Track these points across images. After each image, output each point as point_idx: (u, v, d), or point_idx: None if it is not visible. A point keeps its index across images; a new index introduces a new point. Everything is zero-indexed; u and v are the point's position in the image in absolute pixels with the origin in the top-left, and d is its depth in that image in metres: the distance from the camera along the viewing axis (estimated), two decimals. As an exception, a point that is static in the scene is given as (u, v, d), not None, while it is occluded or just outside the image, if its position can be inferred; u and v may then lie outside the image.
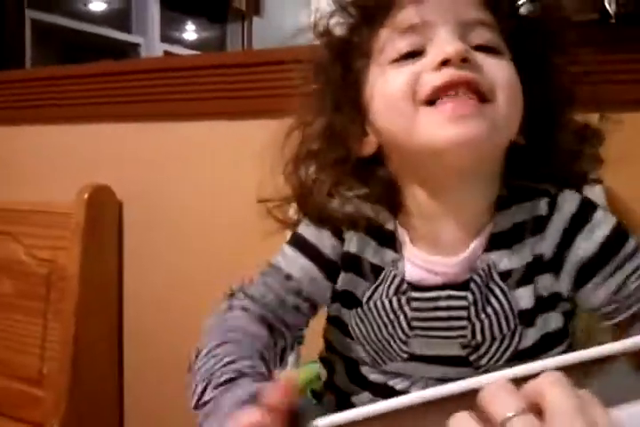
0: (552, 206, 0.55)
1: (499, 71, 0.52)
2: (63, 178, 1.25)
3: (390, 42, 0.54)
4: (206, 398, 0.49)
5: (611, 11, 0.79)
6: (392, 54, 0.53)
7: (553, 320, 0.55)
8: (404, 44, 0.53)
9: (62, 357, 1.14)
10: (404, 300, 0.56)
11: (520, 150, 0.55)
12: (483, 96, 0.50)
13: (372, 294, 0.58)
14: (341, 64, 0.57)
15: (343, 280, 0.59)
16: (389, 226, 0.58)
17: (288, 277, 0.59)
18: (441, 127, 0.50)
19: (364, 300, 0.58)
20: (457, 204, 0.55)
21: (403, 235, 0.58)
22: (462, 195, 0.55)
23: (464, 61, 0.50)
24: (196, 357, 0.54)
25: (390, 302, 0.57)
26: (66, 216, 1.18)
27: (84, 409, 1.15)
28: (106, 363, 1.21)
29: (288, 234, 0.63)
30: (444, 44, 0.51)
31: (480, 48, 0.52)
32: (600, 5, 0.80)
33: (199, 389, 0.50)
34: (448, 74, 0.50)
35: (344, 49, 0.57)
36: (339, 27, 0.58)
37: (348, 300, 0.59)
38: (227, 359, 0.51)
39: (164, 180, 1.17)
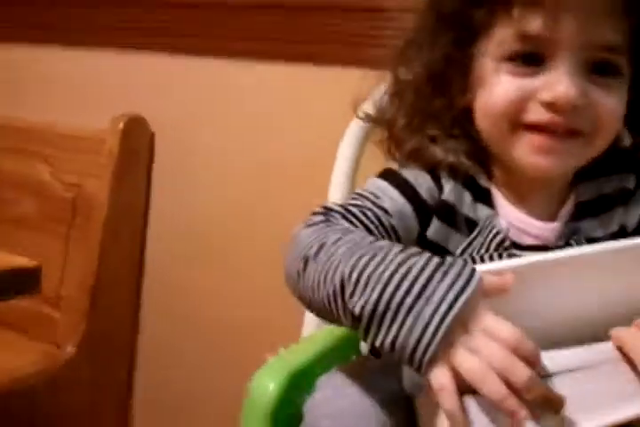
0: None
1: (605, 111, 0.53)
2: (97, 105, 1.25)
3: (512, 38, 0.53)
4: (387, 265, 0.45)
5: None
6: (509, 51, 0.54)
7: None
8: (523, 47, 0.53)
9: (82, 281, 1.16)
10: (505, 256, 0.56)
11: None
12: (579, 133, 0.53)
13: (467, 247, 0.57)
14: (460, 22, 0.57)
15: (435, 229, 0.58)
16: (483, 182, 0.59)
17: (384, 209, 0.57)
18: (530, 156, 0.54)
19: (458, 252, 0.57)
20: (544, 179, 0.58)
21: (497, 193, 0.59)
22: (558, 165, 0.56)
23: (575, 95, 0.51)
24: (306, 261, 0.51)
25: (491, 257, 0.57)
26: (98, 144, 1.19)
27: (99, 334, 1.17)
28: (125, 291, 1.22)
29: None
30: (562, 82, 0.51)
31: (599, 68, 0.53)
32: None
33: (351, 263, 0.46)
34: (554, 118, 0.52)
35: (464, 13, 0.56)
36: None
37: (437, 252, 0.51)
38: (371, 238, 0.50)
39: (199, 116, 1.18)
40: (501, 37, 0.54)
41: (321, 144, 0.94)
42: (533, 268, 0.48)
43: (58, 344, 1.15)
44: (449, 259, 0.45)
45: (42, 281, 1.16)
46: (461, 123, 0.58)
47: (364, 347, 0.69)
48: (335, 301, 0.47)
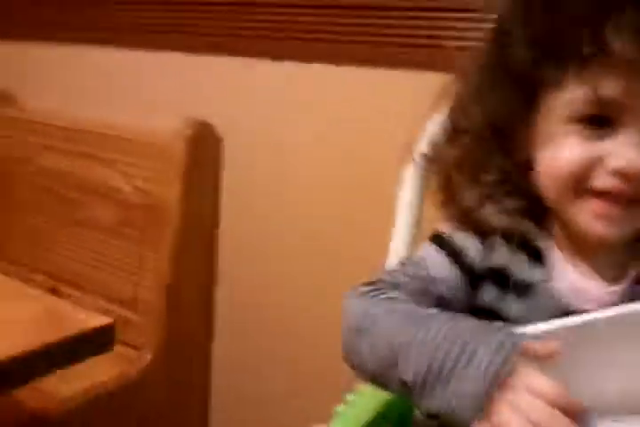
0: None
1: None
2: (164, 107, 1.25)
3: (583, 99, 0.51)
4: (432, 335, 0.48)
5: None
6: (578, 113, 0.51)
7: None
8: (594, 110, 0.51)
9: (158, 285, 1.19)
10: (563, 314, 0.53)
11: None
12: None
13: (523, 312, 0.56)
14: (529, 79, 0.54)
15: (487, 295, 0.57)
16: (539, 242, 0.57)
17: (433, 278, 0.57)
18: (590, 221, 0.52)
19: (513, 316, 0.56)
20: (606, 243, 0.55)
21: (554, 254, 0.57)
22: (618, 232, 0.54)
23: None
24: (359, 332, 0.54)
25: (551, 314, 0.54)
26: (166, 149, 1.19)
27: (176, 337, 1.20)
28: (199, 295, 1.25)
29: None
30: (633, 150, 0.50)
31: None
32: None
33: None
34: (620, 185, 0.50)
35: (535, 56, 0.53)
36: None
37: (491, 317, 0.55)
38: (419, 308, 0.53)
39: (268, 120, 1.16)
40: (571, 98, 0.51)
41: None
42: (582, 328, 0.47)
43: (136, 347, 1.19)
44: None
45: (119, 289, 1.21)
46: (517, 178, 0.56)
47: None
48: (388, 370, 0.50)
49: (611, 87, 0.49)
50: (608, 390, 0.46)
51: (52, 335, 0.71)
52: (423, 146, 0.68)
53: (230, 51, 1.15)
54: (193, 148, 1.17)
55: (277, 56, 1.11)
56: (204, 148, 1.19)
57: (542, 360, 0.45)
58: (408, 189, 0.77)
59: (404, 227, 0.77)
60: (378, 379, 0.53)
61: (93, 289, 1.28)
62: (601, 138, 0.51)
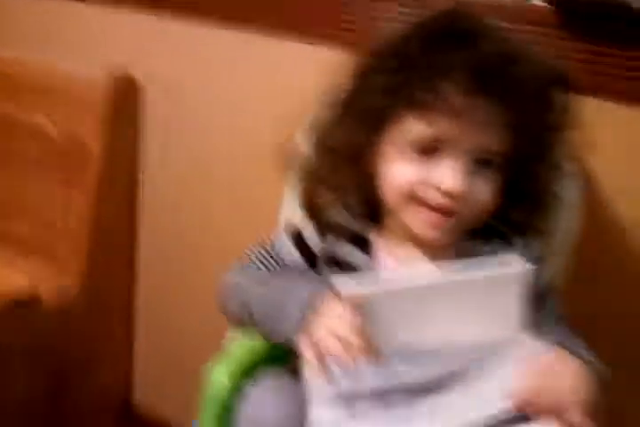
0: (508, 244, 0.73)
1: (482, 195, 0.68)
2: (86, 56, 1.32)
3: (419, 127, 0.66)
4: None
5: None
6: (415, 140, 0.67)
7: None
8: (423, 142, 0.67)
9: (81, 219, 1.32)
10: None
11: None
12: (459, 213, 0.68)
13: None
14: (375, 115, 0.70)
15: (324, 273, 0.75)
16: (368, 235, 0.75)
17: (283, 259, 0.78)
18: (422, 228, 0.70)
19: None
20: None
21: (378, 245, 0.74)
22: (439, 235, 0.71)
23: (462, 190, 0.65)
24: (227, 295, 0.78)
25: None
26: (90, 94, 1.27)
27: (100, 271, 1.37)
28: (123, 226, 1.40)
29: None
30: (449, 174, 0.66)
31: (484, 160, 0.67)
32: None
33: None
34: (442, 202, 0.66)
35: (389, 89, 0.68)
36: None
37: None
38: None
39: (187, 73, 1.26)
40: (409, 131, 0.68)
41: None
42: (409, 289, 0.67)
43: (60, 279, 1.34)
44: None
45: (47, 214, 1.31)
46: (365, 188, 0.73)
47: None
48: (243, 320, 0.76)
49: (439, 126, 0.65)
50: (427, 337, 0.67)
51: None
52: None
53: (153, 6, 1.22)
54: (112, 94, 1.27)
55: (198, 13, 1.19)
56: (123, 95, 1.29)
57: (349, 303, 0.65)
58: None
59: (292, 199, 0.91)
60: (241, 325, 0.78)
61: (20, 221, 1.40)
62: (429, 162, 0.67)
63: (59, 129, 1.32)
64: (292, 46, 1.11)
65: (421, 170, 0.67)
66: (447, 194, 0.66)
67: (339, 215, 0.75)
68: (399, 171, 0.69)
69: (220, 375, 0.81)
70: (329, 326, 0.65)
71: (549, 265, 0.80)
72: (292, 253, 0.77)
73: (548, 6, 0.87)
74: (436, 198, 0.67)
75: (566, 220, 0.81)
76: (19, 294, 1.26)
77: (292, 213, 0.90)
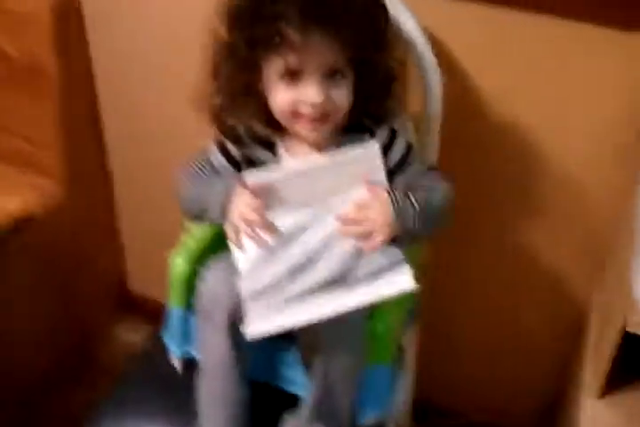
0: (375, 136, 0.94)
1: (339, 98, 0.88)
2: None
3: (280, 62, 0.85)
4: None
5: None
6: (280, 73, 0.87)
7: None
8: (287, 70, 0.86)
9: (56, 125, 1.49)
10: None
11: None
12: (327, 115, 0.88)
13: None
14: (251, 60, 0.89)
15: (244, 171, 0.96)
16: (273, 139, 0.96)
17: (216, 169, 0.98)
18: (305, 131, 0.91)
19: None
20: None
21: (280, 145, 0.96)
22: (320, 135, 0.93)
23: (323, 102, 0.85)
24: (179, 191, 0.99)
25: None
26: (35, 16, 1.38)
27: (78, 174, 1.55)
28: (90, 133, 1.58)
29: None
30: (312, 89, 0.86)
31: (333, 72, 0.86)
32: None
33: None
34: (313, 111, 0.88)
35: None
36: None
37: None
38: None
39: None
40: (275, 66, 0.87)
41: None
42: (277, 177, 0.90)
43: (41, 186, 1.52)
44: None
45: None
46: (266, 107, 0.92)
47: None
48: (190, 212, 0.98)
49: (290, 59, 0.84)
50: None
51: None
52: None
53: None
54: (58, 13, 1.38)
55: None
56: (68, 15, 1.40)
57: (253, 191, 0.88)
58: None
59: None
60: (190, 217, 1.01)
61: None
62: (297, 84, 0.86)
63: (16, 47, 1.44)
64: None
65: (292, 93, 0.87)
66: (313, 105, 0.86)
67: (248, 130, 0.96)
68: (277, 97, 0.89)
69: (178, 261, 1.05)
70: (239, 211, 0.89)
71: (424, 143, 1.07)
72: (219, 160, 0.98)
73: None
74: (308, 110, 0.87)
75: (431, 105, 1.04)
76: (17, 213, 1.44)
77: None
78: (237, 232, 0.90)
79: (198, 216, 0.97)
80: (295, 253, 0.89)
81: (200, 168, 0.99)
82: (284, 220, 0.90)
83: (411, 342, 1.20)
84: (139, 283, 1.85)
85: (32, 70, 1.44)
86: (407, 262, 0.89)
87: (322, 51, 0.84)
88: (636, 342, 0.89)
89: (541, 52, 1.06)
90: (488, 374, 1.50)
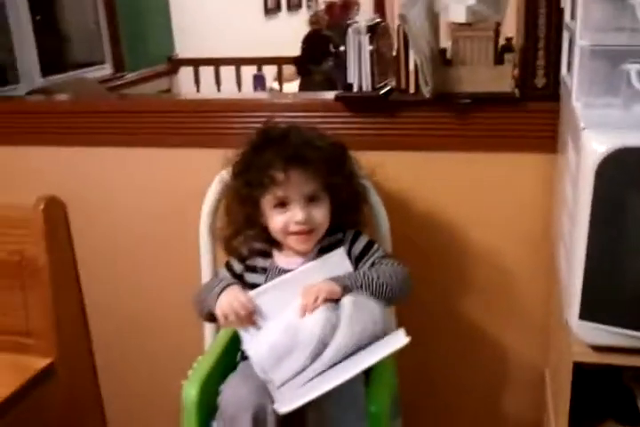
0: (344, 238, 1.25)
1: (319, 216, 1.20)
2: (19, 187, 1.70)
3: (272, 196, 1.19)
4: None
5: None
6: (273, 204, 1.20)
7: None
8: (278, 201, 1.19)
9: (44, 315, 1.67)
10: (282, 274, 1.23)
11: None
12: (312, 231, 1.19)
13: (267, 278, 1.24)
14: (250, 198, 1.22)
15: (249, 277, 1.27)
16: (270, 250, 1.26)
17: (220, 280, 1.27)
18: (296, 244, 1.23)
19: (263, 280, 1.24)
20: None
21: (276, 254, 1.25)
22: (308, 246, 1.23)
23: (306, 220, 1.17)
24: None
25: (277, 276, 1.23)
26: (27, 220, 1.65)
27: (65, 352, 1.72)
28: (76, 326, 1.77)
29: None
30: (298, 212, 1.18)
31: (312, 198, 1.18)
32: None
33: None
34: (299, 227, 1.18)
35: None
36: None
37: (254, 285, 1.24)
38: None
39: (101, 193, 1.67)
40: (269, 199, 1.19)
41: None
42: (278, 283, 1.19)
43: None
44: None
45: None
46: (264, 231, 1.23)
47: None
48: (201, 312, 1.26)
49: (279, 193, 1.17)
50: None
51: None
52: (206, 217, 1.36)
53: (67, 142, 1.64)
54: (47, 216, 1.65)
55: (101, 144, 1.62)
56: (54, 215, 1.68)
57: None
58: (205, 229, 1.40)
59: (207, 252, 1.41)
60: (202, 317, 1.26)
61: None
62: (285, 211, 1.19)
63: (8, 250, 1.68)
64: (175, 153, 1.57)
65: (283, 217, 1.20)
66: (299, 223, 1.18)
67: (251, 246, 1.28)
68: (273, 221, 1.22)
69: (190, 390, 1.21)
70: (228, 300, 1.17)
71: (380, 241, 1.35)
72: (224, 274, 1.28)
73: (334, 100, 1.38)
74: (296, 228, 1.19)
75: (379, 215, 1.37)
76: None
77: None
78: (225, 317, 1.16)
79: (205, 314, 1.24)
80: (306, 338, 1.11)
81: (210, 282, 1.30)
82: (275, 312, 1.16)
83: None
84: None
85: (23, 266, 1.68)
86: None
87: (300, 184, 1.17)
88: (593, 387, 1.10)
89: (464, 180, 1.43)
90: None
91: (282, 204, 1.18)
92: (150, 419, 1.83)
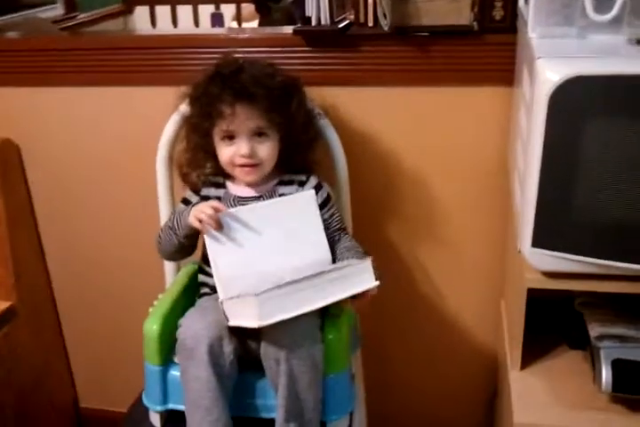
0: (307, 181, 1.27)
1: (264, 151, 1.22)
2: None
3: (219, 129, 1.22)
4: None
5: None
6: (221, 136, 1.23)
7: None
8: (225, 134, 1.22)
9: (2, 259, 1.67)
10: (237, 202, 1.27)
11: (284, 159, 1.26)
12: (257, 164, 1.21)
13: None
14: (202, 127, 1.25)
15: None
16: (222, 181, 1.29)
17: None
18: (243, 176, 1.26)
19: None
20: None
21: (229, 185, 1.30)
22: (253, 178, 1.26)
23: (250, 154, 1.19)
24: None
25: (232, 204, 1.26)
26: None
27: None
28: (35, 269, 1.78)
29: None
30: (242, 145, 1.20)
31: (258, 133, 1.20)
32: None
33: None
34: (244, 160, 1.20)
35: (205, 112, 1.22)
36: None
37: None
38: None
39: (58, 133, 1.64)
40: (217, 131, 1.23)
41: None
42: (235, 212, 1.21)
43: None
44: None
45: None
46: (217, 161, 1.26)
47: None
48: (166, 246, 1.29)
49: (226, 125, 1.19)
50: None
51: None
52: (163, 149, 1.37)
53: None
54: (1, 160, 1.62)
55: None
56: (9, 158, 1.65)
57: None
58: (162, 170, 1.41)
59: (164, 184, 1.42)
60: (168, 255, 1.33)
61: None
62: (232, 143, 1.20)
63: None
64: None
65: (230, 149, 1.23)
66: (244, 156, 1.21)
67: (205, 178, 1.32)
68: (221, 153, 1.25)
69: (150, 323, 1.23)
70: (199, 207, 1.19)
71: (337, 178, 1.38)
72: (181, 208, 1.30)
73: (292, 35, 1.36)
74: (241, 161, 1.22)
75: (336, 152, 1.37)
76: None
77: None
78: (200, 220, 1.17)
79: (173, 248, 1.28)
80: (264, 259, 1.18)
81: (169, 219, 1.31)
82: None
83: (357, 364, 1.44)
84: (90, 399, 1.97)
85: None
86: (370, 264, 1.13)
87: (247, 119, 1.19)
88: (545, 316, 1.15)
89: (426, 114, 1.43)
90: (434, 381, 1.72)
91: (229, 137, 1.22)
92: (115, 359, 1.86)
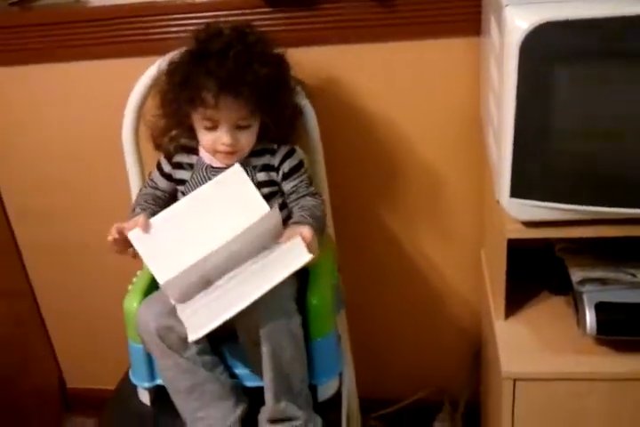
0: (278, 150, 1.24)
1: (245, 140, 1.20)
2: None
3: (201, 116, 1.17)
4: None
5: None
6: (203, 124, 1.18)
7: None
8: (207, 122, 1.17)
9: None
10: (209, 171, 1.25)
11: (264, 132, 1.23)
12: (236, 151, 1.19)
13: (193, 173, 1.26)
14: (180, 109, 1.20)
15: (177, 174, 1.28)
16: (195, 146, 1.27)
17: (157, 187, 1.30)
18: (221, 161, 1.23)
19: (189, 176, 1.27)
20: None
21: (202, 151, 1.26)
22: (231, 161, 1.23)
23: (232, 144, 1.16)
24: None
25: (204, 173, 1.25)
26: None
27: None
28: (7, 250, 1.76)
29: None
30: (224, 135, 1.17)
31: (240, 127, 1.17)
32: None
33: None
34: (225, 148, 1.19)
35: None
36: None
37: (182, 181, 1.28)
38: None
39: (27, 112, 1.59)
40: (198, 117, 1.18)
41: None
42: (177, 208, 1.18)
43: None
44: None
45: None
46: (190, 129, 1.24)
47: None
48: None
49: (209, 114, 1.15)
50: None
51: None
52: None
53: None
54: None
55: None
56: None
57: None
58: (129, 139, 1.36)
59: (133, 164, 1.39)
60: None
61: None
62: (215, 129, 1.17)
63: None
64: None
65: (211, 136, 1.19)
66: (225, 144, 1.18)
67: (177, 143, 1.29)
68: (202, 137, 1.21)
69: (130, 302, 1.22)
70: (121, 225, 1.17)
71: (311, 159, 1.34)
72: (156, 176, 1.30)
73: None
74: (222, 148, 1.19)
75: (308, 117, 1.34)
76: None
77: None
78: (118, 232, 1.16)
79: None
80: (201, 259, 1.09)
81: (144, 186, 1.33)
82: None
83: (343, 324, 1.45)
84: (76, 379, 1.96)
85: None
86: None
87: (231, 111, 1.15)
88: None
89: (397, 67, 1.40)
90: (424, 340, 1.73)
91: (211, 123, 1.17)
92: (98, 338, 1.86)
